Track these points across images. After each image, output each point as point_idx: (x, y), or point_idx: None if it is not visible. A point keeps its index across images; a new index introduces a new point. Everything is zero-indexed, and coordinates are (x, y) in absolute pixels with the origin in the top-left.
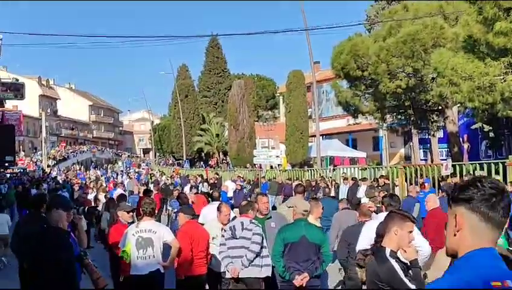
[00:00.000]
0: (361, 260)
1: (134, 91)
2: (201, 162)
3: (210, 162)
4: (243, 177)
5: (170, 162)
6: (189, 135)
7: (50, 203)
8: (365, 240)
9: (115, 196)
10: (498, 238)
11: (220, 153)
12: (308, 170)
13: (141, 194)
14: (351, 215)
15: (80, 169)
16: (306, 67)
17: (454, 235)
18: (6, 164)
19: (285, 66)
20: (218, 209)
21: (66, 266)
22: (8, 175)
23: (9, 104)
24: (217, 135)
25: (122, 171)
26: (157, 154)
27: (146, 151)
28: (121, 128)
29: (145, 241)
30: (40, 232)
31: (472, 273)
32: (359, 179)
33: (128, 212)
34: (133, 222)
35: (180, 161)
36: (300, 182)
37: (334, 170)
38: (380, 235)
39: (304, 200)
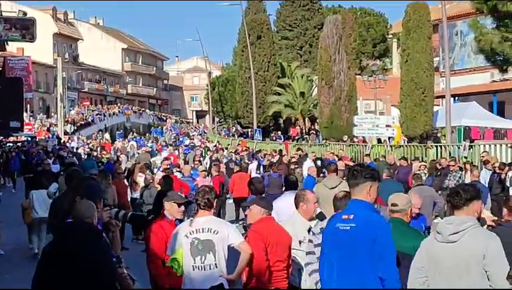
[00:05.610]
0: None
1: (184, 30)
2: (279, 132)
3: (291, 133)
4: (337, 155)
5: (234, 130)
6: (262, 93)
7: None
8: None
9: (157, 177)
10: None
11: (306, 119)
12: (432, 146)
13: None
14: None
15: (103, 138)
16: None
17: None
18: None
19: None
20: (299, 198)
21: None
22: (10, 145)
23: (12, 46)
24: (302, 94)
25: (165, 142)
26: (216, 119)
27: (200, 114)
28: (166, 81)
29: (204, 244)
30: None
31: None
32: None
33: (179, 205)
34: (181, 220)
35: (249, 130)
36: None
37: (470, 147)
38: None
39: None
